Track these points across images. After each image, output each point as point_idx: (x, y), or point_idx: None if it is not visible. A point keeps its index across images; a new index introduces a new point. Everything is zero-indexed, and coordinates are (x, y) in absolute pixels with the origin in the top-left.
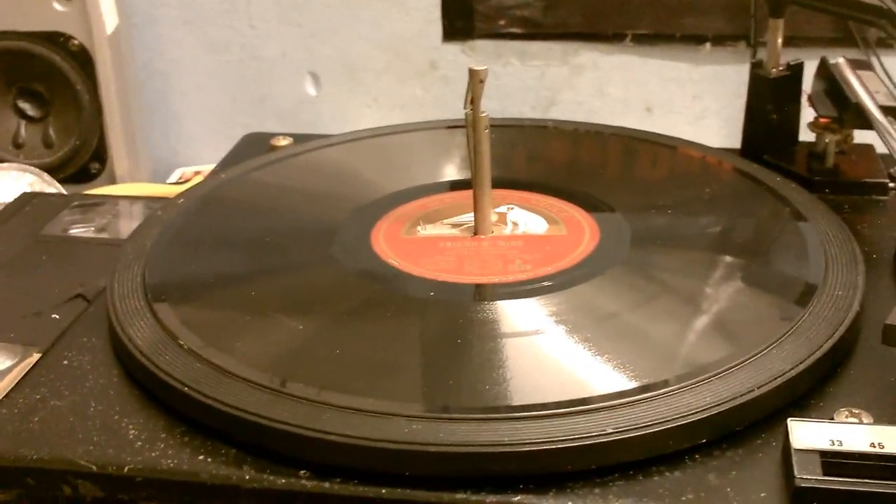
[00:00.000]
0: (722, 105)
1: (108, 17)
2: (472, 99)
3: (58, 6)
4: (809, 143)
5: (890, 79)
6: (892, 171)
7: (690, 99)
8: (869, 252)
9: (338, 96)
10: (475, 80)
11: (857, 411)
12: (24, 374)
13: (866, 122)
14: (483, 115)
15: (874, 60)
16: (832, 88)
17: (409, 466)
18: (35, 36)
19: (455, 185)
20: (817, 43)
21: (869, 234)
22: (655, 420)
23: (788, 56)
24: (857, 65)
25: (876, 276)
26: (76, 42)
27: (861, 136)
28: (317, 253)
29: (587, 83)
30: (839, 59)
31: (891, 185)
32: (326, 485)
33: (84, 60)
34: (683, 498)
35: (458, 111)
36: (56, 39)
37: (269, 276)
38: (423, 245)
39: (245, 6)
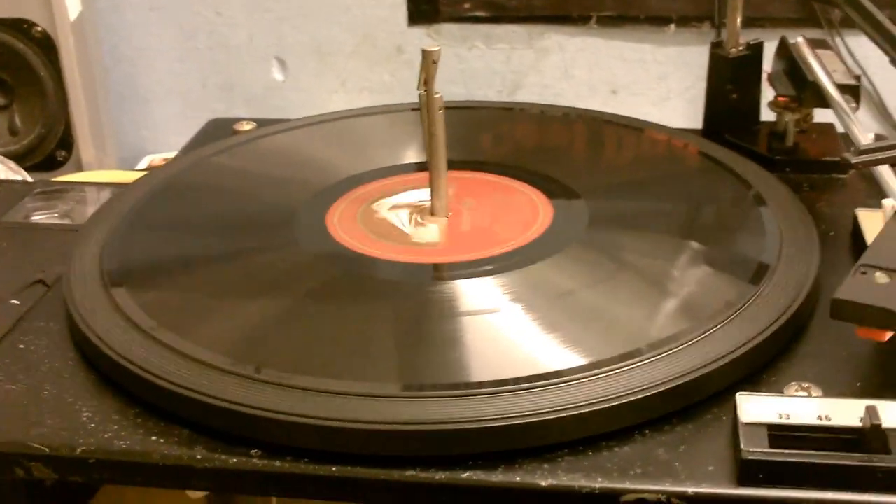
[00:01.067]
0: (686, 86)
1: (71, 3)
2: (426, 80)
3: None
4: (771, 123)
5: (852, 56)
6: (849, 150)
7: (655, 80)
8: (826, 230)
9: (306, 81)
10: (428, 61)
11: (806, 385)
12: None
13: (824, 101)
14: (437, 96)
15: (837, 40)
16: (791, 68)
17: (358, 445)
18: None
19: (415, 168)
20: (781, 23)
21: (828, 212)
22: (603, 397)
23: (754, 36)
24: (816, 44)
25: (834, 254)
26: (39, 29)
27: (822, 115)
28: (272, 236)
29: (553, 66)
30: (798, 39)
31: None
32: (277, 463)
33: (48, 47)
34: (631, 472)
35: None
36: (19, 26)
37: (225, 259)
38: (378, 226)
39: None
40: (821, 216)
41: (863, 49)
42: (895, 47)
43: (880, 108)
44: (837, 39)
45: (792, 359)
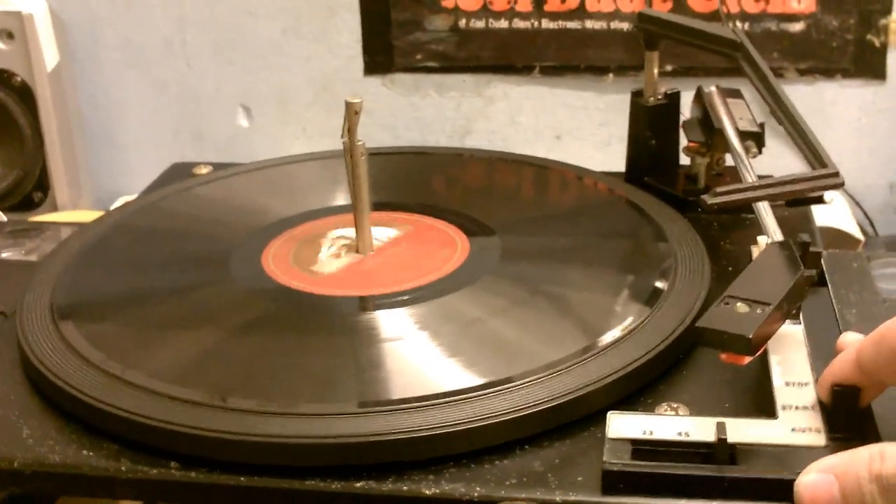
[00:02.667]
0: (626, 131)
1: (49, 55)
2: (349, 129)
3: (1, 45)
4: (687, 167)
5: (772, 102)
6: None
7: (597, 126)
8: (725, 265)
9: (269, 127)
10: (350, 112)
11: (675, 405)
12: None
13: (728, 146)
14: (359, 143)
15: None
16: (705, 115)
17: (262, 457)
18: None
19: (344, 209)
20: (714, 72)
21: (731, 250)
22: (484, 415)
23: (687, 85)
24: (728, 93)
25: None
26: (18, 78)
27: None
28: (210, 274)
29: (500, 113)
30: (711, 88)
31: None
32: (193, 474)
33: (26, 95)
34: (507, 482)
35: (378, 141)
36: None
37: (167, 294)
38: (308, 263)
39: (181, 47)
40: (724, 253)
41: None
42: (777, 102)
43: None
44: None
45: (671, 382)
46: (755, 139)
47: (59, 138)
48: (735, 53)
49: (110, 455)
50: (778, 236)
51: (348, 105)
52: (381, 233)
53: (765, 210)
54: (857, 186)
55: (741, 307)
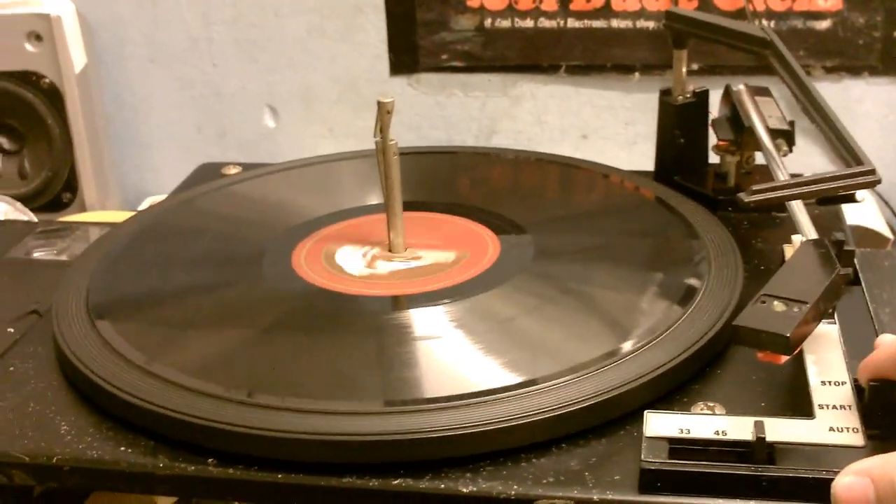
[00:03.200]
0: (652, 130)
1: (77, 57)
2: (382, 128)
3: (29, 47)
4: (716, 165)
5: (804, 99)
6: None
7: (623, 125)
8: (757, 264)
9: (295, 127)
10: (383, 111)
11: (711, 405)
12: None
13: (758, 144)
14: (392, 142)
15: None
16: (733, 114)
17: (300, 454)
18: (9, 75)
19: (376, 209)
20: (740, 71)
21: (763, 249)
22: (521, 414)
23: (713, 84)
24: (757, 91)
25: (762, 286)
26: (47, 80)
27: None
28: (243, 273)
29: (526, 112)
30: (740, 86)
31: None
32: (231, 471)
33: (54, 97)
34: (544, 481)
35: (406, 140)
36: (28, 78)
37: (199, 293)
38: (340, 262)
39: (207, 46)
40: (756, 252)
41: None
42: (808, 99)
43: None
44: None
45: (705, 381)
46: (785, 137)
47: (88, 139)
48: (764, 51)
49: (147, 451)
50: (812, 234)
51: (380, 105)
52: (413, 231)
53: (798, 208)
54: (885, 185)
55: (778, 306)
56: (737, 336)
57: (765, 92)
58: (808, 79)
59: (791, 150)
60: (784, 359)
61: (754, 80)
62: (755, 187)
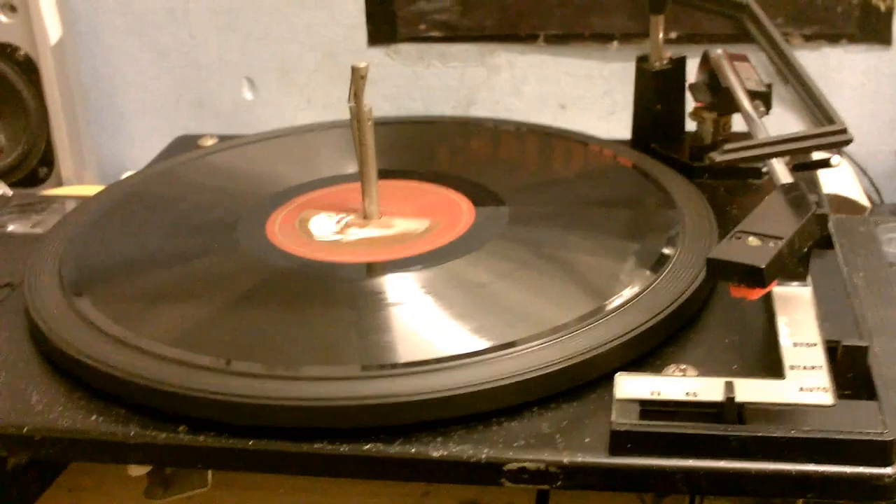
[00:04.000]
0: (630, 100)
1: (52, 28)
2: (356, 93)
3: (3, 18)
4: (693, 134)
5: (779, 62)
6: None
7: (601, 94)
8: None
9: (273, 98)
10: (357, 76)
11: (683, 367)
12: None
13: (736, 106)
14: (366, 108)
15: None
16: (711, 79)
17: (270, 420)
18: None
19: (352, 178)
20: (719, 39)
21: (738, 215)
22: (491, 378)
23: (691, 52)
24: (735, 57)
25: None
26: (22, 52)
27: (740, 125)
28: (216, 242)
29: (504, 82)
30: (718, 51)
31: (763, 169)
32: (201, 438)
33: (29, 69)
34: (515, 444)
35: (381, 111)
36: (3, 50)
37: (173, 263)
38: (314, 230)
39: (184, 16)
40: (731, 219)
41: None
42: (785, 62)
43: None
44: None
45: (679, 345)
46: (763, 99)
47: (64, 112)
48: (741, 15)
49: (119, 420)
50: (788, 179)
51: (354, 70)
52: (388, 199)
53: (781, 171)
54: (863, 153)
55: (753, 241)
56: (711, 270)
57: (742, 58)
58: (784, 42)
59: (768, 112)
60: (757, 294)
61: (732, 48)
62: (727, 146)
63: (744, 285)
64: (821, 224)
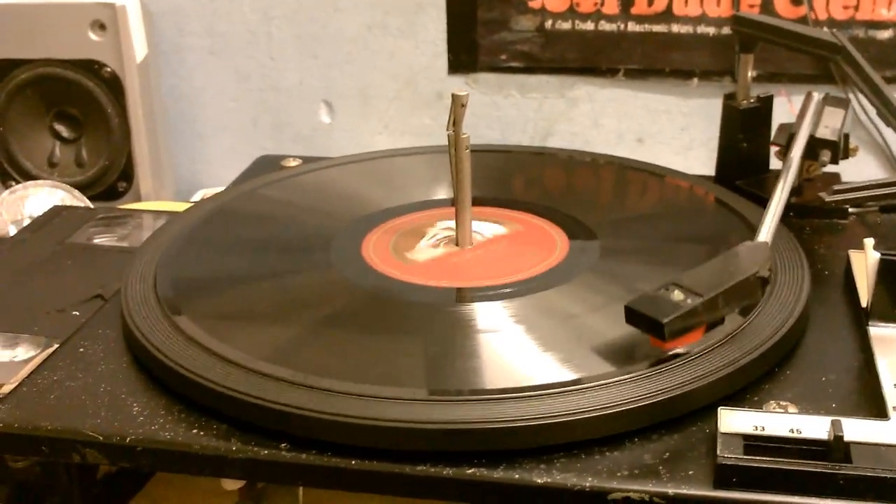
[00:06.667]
0: (708, 136)
1: (139, 46)
2: (455, 121)
3: (93, 36)
4: (778, 171)
5: (878, 102)
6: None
7: (679, 130)
8: (821, 269)
9: (351, 123)
10: (457, 104)
11: (784, 403)
12: (44, 359)
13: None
14: (464, 136)
15: (852, 96)
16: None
17: (374, 441)
18: (71, 63)
19: (445, 203)
20: (798, 79)
21: (825, 254)
22: (595, 406)
23: (772, 91)
24: (833, 102)
25: (826, 290)
26: (108, 69)
27: (830, 166)
28: (310, 260)
29: (582, 115)
30: (816, 94)
31: (850, 210)
32: (303, 456)
33: (115, 86)
34: (619, 474)
35: None
36: (90, 67)
37: (267, 278)
38: (408, 253)
39: (266, 40)
40: (818, 257)
41: None
42: (884, 103)
43: (891, 161)
44: (850, 95)
45: (775, 381)
46: (831, 148)
47: (146, 129)
48: (835, 56)
49: (220, 434)
50: (766, 238)
51: (455, 98)
52: (482, 227)
53: (774, 210)
54: None
55: (677, 294)
56: (626, 316)
57: (841, 103)
58: (881, 81)
59: (836, 163)
60: (673, 348)
61: (814, 88)
62: (836, 187)
63: (652, 336)
64: (762, 287)
